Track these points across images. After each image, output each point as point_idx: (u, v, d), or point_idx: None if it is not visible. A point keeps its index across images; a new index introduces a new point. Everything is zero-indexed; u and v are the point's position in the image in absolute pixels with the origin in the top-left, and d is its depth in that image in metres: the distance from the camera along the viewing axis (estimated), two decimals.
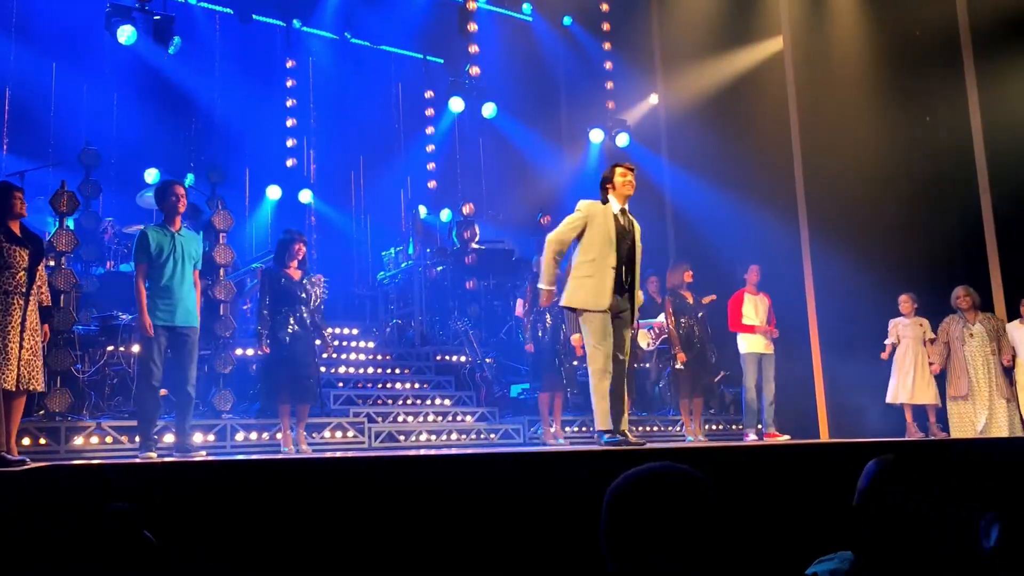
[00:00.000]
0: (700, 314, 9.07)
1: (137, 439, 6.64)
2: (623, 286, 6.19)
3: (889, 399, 9.08)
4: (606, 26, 13.55)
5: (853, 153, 10.39)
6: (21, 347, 5.37)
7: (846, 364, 10.02)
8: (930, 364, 8.95)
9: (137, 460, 5.97)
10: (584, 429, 9.41)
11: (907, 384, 8.92)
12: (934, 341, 9.02)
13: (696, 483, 1.68)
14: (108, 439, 6.94)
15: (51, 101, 10.30)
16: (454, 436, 8.64)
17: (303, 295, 7.40)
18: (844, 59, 10.93)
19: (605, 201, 6.43)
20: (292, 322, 7.29)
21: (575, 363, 9.51)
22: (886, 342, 9.17)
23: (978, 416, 8.61)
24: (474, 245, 11.34)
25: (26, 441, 6.46)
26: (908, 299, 9.18)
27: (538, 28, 14.01)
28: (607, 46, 13.52)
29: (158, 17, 9.86)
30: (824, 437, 10.28)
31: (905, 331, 9.10)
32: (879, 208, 10.10)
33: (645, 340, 10.06)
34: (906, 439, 8.40)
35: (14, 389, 5.31)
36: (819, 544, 2.72)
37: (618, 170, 6.54)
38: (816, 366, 10.70)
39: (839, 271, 10.21)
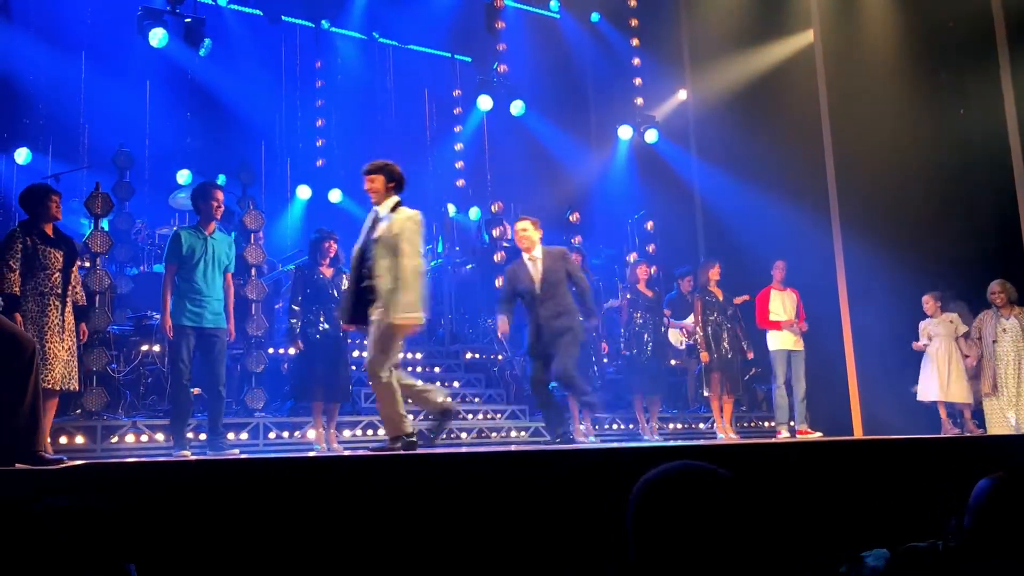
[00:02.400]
0: (731, 312, 9.00)
1: (172, 438, 6.73)
2: (360, 296, 5.71)
3: (920, 397, 8.96)
4: (634, 22, 13.47)
5: (886, 147, 10.26)
6: (60, 347, 5.45)
7: (880, 360, 9.91)
8: (965, 358, 8.83)
9: (172, 458, 6.05)
10: (615, 427, 9.41)
11: (941, 382, 8.80)
12: (967, 336, 8.90)
13: (720, 481, 1.67)
14: (143, 437, 7.03)
15: (85, 104, 10.43)
16: (484, 434, 8.65)
17: (335, 293, 7.44)
18: (876, 52, 10.80)
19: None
20: (323, 320, 7.34)
21: (605, 361, 9.51)
22: (915, 344, 9.07)
23: (1007, 413, 8.48)
24: (506, 244, 11.33)
25: (63, 440, 6.56)
26: (931, 299, 9.09)
27: (566, 25, 13.97)
28: (635, 42, 13.43)
29: (189, 20, 9.95)
30: (858, 434, 10.18)
31: (936, 329, 8.99)
32: (912, 202, 9.97)
33: (677, 339, 10.03)
34: (941, 436, 8.30)
35: (56, 388, 5.39)
36: (854, 541, 2.70)
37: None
38: (849, 362, 10.59)
39: (872, 266, 10.11)
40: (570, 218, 11.16)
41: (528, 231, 7.36)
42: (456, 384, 9.54)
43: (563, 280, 7.28)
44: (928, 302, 9.06)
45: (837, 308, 10.76)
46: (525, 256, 7.38)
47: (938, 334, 8.95)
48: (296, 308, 7.34)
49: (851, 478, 4.68)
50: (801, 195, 11.04)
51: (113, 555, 2.50)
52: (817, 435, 8.66)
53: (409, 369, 9.68)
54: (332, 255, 7.56)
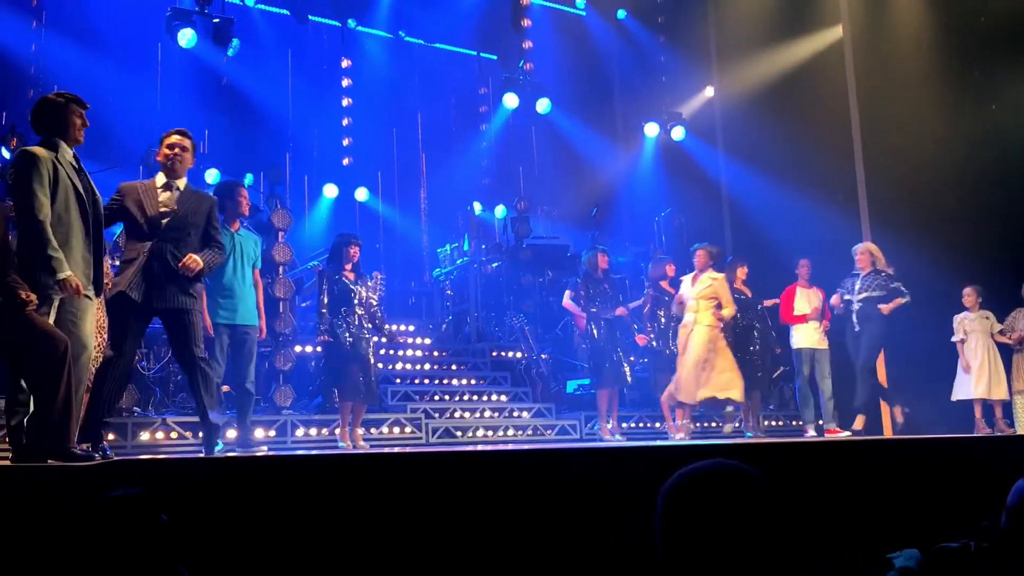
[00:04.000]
0: (759, 309, 8.95)
1: (201, 435, 6.78)
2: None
3: (956, 396, 8.84)
4: (660, 19, 13.44)
5: (916, 144, 10.14)
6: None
7: (910, 359, 9.80)
8: (1017, 350, 8.70)
9: (201, 455, 6.09)
10: (642, 425, 9.38)
11: (980, 380, 8.67)
12: (1003, 333, 8.79)
13: (749, 479, 1.66)
14: (173, 435, 7.09)
15: (114, 104, 10.55)
16: (511, 432, 8.66)
17: (359, 296, 7.45)
18: (906, 47, 10.68)
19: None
20: (350, 323, 7.35)
21: (632, 359, 9.48)
22: (954, 339, 8.94)
23: None
24: (538, 239, 11.34)
25: None
26: (972, 292, 8.93)
27: (592, 22, 13.95)
28: (662, 39, 13.40)
29: (217, 20, 10.03)
30: (887, 433, 10.08)
31: (972, 325, 8.86)
32: (943, 199, 9.86)
33: None
34: (974, 435, 8.20)
35: (88, 385, 5.44)
36: (884, 541, 2.67)
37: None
38: (879, 361, 10.47)
39: (902, 264, 9.98)
40: (595, 216, 11.13)
41: (188, 151, 5.63)
42: (482, 382, 9.55)
43: (201, 233, 5.48)
44: (969, 295, 8.91)
45: None
46: (166, 178, 5.49)
47: (974, 330, 8.82)
48: (324, 312, 7.34)
49: (881, 478, 4.63)
50: (830, 191, 10.94)
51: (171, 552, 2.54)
52: (846, 434, 8.59)
53: (436, 367, 9.72)
54: (355, 260, 7.52)
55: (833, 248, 10.25)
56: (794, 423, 9.92)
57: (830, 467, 4.66)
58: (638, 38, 13.70)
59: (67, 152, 4.66)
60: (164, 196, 5.38)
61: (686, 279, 8.54)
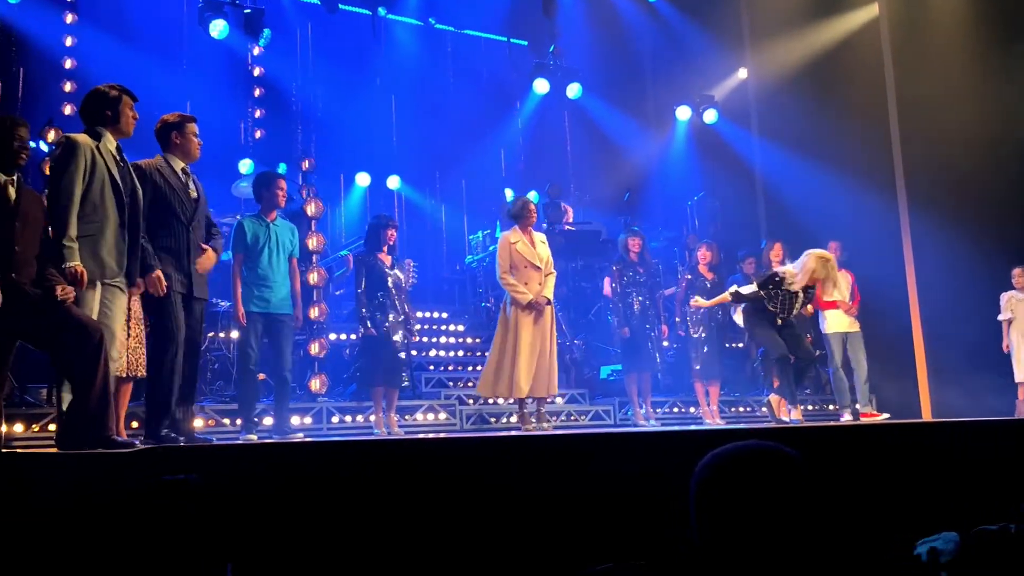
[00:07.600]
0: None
1: (238, 422, 6.87)
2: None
3: (1019, 378, 8.75)
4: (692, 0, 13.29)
5: (955, 122, 9.95)
6: (128, 335, 5.58)
7: (950, 341, 9.67)
8: None
9: (239, 442, 6.17)
10: (676, 410, 9.35)
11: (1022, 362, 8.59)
12: None
13: (787, 461, 1.64)
14: (211, 422, 7.19)
15: (147, 96, 10.62)
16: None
17: (394, 280, 7.50)
18: (944, 23, 10.48)
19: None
20: (385, 307, 7.40)
21: (665, 344, 9.45)
22: (1000, 318, 8.83)
23: None
24: (568, 227, 11.28)
25: (135, 424, 6.73)
26: (1022, 272, 8.82)
27: (622, 5, 13.81)
28: (693, 21, 13.24)
29: (248, 11, 10.09)
30: (927, 416, 9.96)
31: (1019, 306, 8.75)
32: (984, 179, 9.68)
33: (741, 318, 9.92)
34: (1015, 418, 8.08)
35: (124, 375, 5.52)
36: (921, 524, 2.64)
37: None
38: (917, 343, 10.34)
39: (941, 245, 9.84)
40: (628, 200, 11.07)
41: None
42: None
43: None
44: (1020, 276, 8.81)
45: (904, 288, 10.51)
46: (182, 163, 5.55)
47: (1021, 312, 8.71)
48: (363, 298, 7.41)
49: (919, 461, 4.58)
50: (866, 173, 10.79)
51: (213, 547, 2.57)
52: (884, 417, 8.51)
53: (469, 354, 9.74)
54: (392, 242, 7.61)
55: (870, 230, 10.13)
56: (830, 407, 9.84)
57: (866, 450, 4.61)
58: (669, 20, 13.55)
59: (110, 143, 4.76)
60: (189, 184, 5.47)
61: None
